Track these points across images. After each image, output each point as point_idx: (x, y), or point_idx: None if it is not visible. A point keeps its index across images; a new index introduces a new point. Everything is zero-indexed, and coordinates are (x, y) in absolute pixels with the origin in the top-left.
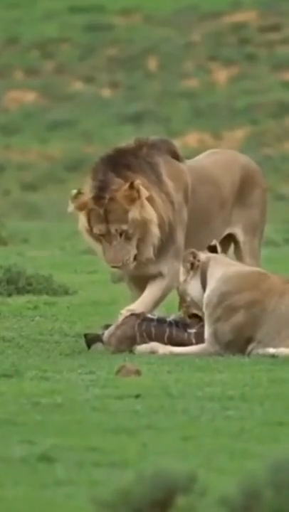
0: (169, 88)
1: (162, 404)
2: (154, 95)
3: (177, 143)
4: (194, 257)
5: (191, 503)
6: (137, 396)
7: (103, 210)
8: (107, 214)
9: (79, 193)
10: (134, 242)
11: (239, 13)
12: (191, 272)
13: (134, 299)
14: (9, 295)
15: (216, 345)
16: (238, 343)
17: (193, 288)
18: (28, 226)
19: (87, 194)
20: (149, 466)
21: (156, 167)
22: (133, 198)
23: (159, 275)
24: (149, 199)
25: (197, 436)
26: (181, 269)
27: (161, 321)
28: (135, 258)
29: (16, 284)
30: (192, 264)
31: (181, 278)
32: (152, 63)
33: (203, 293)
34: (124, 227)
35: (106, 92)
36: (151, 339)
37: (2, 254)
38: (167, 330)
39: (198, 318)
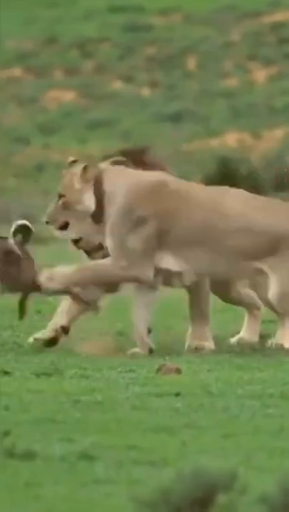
0: (208, 87)
1: (202, 403)
2: (193, 95)
3: (216, 142)
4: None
5: (231, 501)
6: (177, 394)
7: None
8: None
9: None
10: None
11: (278, 13)
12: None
13: None
14: None
15: None
16: None
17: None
18: None
19: None
20: (189, 464)
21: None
22: None
23: None
24: None
25: (237, 434)
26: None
27: None
28: None
29: None
30: None
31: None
32: (191, 63)
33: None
34: None
35: (145, 92)
36: None
37: (42, 254)
38: None
39: None
